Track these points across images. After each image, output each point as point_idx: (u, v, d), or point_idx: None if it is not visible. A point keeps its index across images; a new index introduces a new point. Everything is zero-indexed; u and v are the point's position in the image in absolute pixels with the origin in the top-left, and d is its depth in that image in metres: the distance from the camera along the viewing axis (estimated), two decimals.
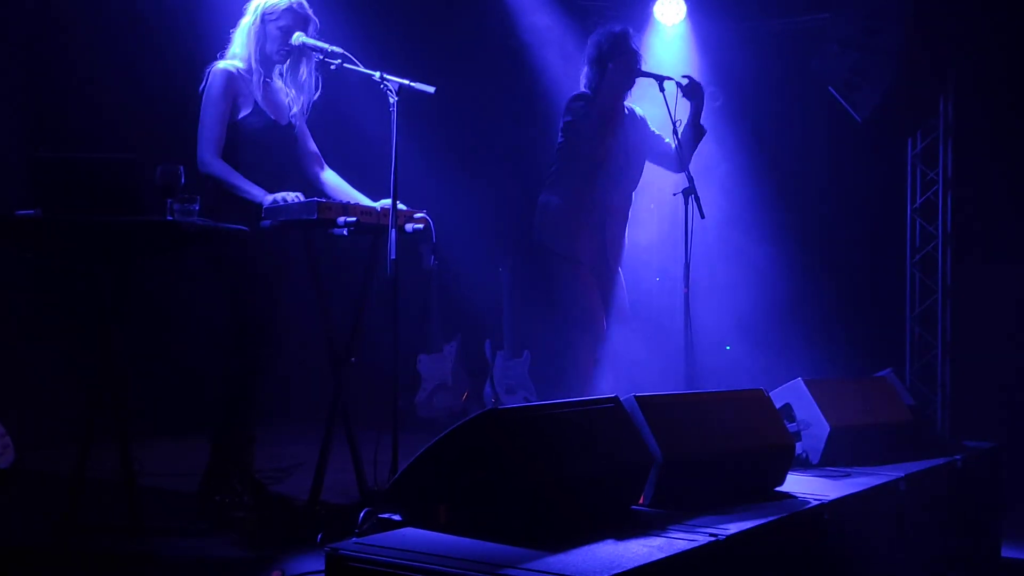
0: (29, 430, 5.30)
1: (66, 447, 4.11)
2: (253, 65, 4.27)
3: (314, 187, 4.48)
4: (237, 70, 4.24)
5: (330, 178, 4.53)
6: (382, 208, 4.11)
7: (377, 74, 4.01)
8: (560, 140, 5.29)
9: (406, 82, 4.01)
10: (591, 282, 5.20)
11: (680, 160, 5.19)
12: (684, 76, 5.17)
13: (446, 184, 7.33)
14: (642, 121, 5.40)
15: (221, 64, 4.24)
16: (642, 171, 5.44)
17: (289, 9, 4.26)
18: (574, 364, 5.22)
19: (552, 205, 5.24)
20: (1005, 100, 7.31)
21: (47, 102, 5.98)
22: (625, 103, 5.34)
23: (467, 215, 7.45)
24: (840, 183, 7.84)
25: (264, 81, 4.32)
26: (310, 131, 4.56)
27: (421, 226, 4.21)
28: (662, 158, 5.43)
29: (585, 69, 5.28)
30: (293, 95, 4.40)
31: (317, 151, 4.57)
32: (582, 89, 5.27)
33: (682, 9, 7.87)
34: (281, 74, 4.40)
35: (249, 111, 4.23)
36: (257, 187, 4.17)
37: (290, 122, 4.39)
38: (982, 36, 7.25)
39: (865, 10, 6.72)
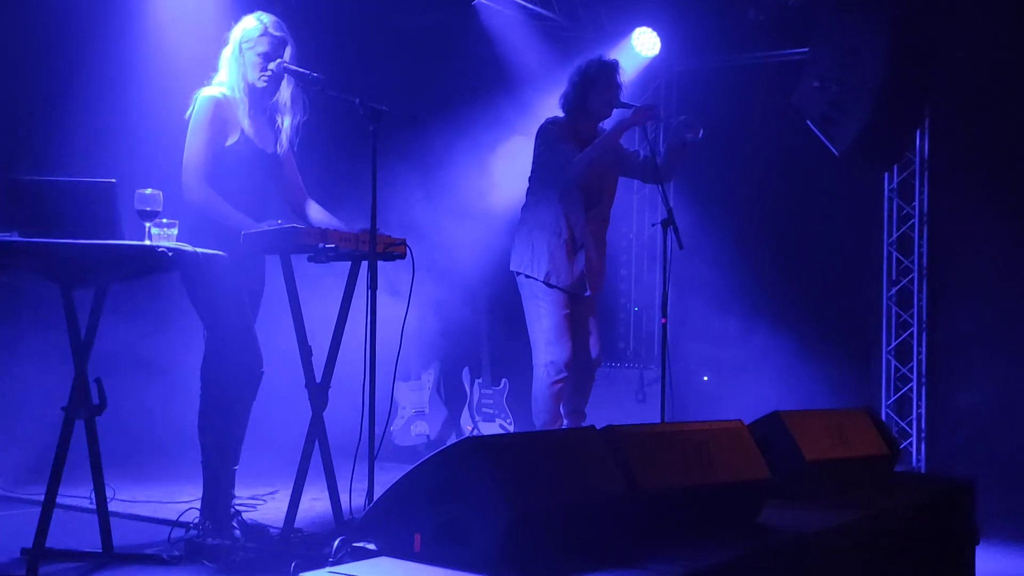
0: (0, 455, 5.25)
1: (38, 472, 4.06)
2: (239, 94, 4.25)
3: (297, 217, 4.45)
4: (224, 96, 4.22)
5: (314, 211, 4.49)
6: (361, 234, 4.09)
7: (357, 100, 4.01)
8: (534, 168, 5.31)
9: (385, 109, 4.01)
10: (567, 305, 5.20)
11: (656, 170, 5.23)
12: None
13: (426, 210, 7.34)
14: None
15: (208, 90, 4.21)
16: (616, 190, 5.46)
17: (265, 34, 4.24)
18: (539, 387, 5.21)
19: (530, 234, 5.24)
20: (981, 135, 7.39)
21: (24, 124, 5.95)
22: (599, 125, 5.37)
23: (447, 241, 7.46)
24: (817, 216, 7.90)
25: (252, 108, 4.30)
26: (296, 160, 4.53)
27: (400, 252, 4.20)
28: (635, 169, 5.44)
29: (566, 89, 5.30)
30: (281, 122, 4.36)
31: (301, 183, 4.53)
32: (559, 107, 5.31)
33: (657, 41, 7.96)
34: (271, 101, 4.36)
35: (236, 139, 4.21)
36: (243, 216, 4.15)
37: (276, 150, 4.36)
38: (958, 72, 7.35)
39: (843, 46, 6.79)
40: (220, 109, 4.18)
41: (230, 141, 4.19)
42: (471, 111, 7.82)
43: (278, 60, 4.26)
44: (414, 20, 7.81)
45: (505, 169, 7.44)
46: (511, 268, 5.34)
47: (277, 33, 4.25)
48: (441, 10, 7.67)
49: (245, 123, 4.23)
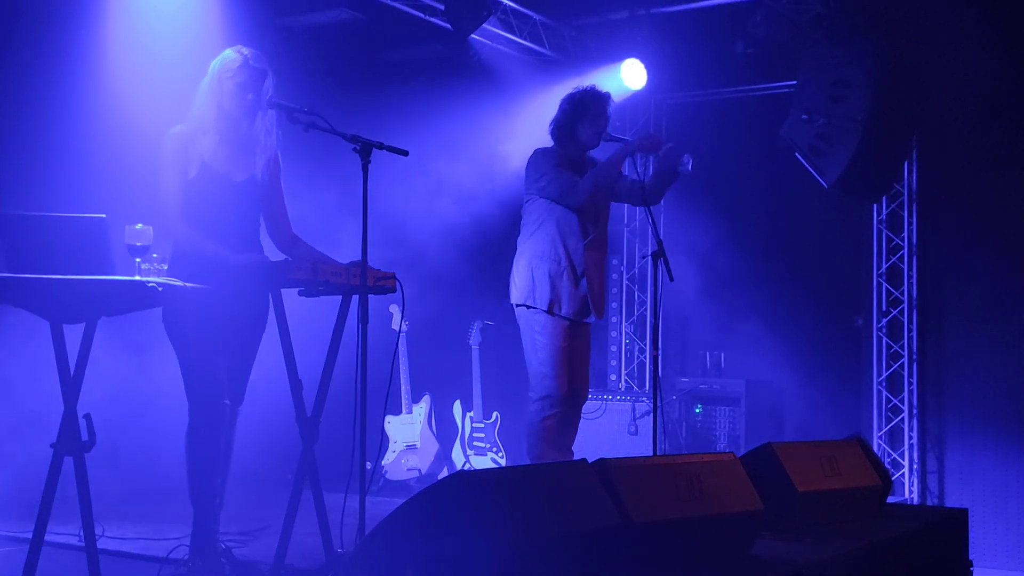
0: None
1: (27, 509, 4.03)
2: (209, 124, 4.24)
3: (282, 250, 4.43)
4: (184, 132, 4.22)
5: (300, 245, 4.45)
6: (351, 268, 4.08)
7: (349, 135, 4.01)
8: (529, 197, 5.32)
9: (377, 143, 4.02)
10: (567, 337, 5.19)
11: (643, 194, 5.23)
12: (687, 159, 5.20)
13: (417, 242, 7.35)
14: None
15: (172, 130, 4.23)
16: (609, 215, 5.48)
17: (244, 64, 4.23)
18: (532, 421, 5.19)
19: (529, 264, 5.24)
20: (970, 166, 7.45)
21: (12, 159, 5.95)
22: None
23: (438, 273, 7.46)
24: (807, 248, 7.94)
25: (225, 138, 4.28)
26: (285, 194, 4.51)
27: (390, 286, 4.20)
28: (624, 193, 5.44)
29: (556, 117, 5.33)
30: (256, 152, 4.35)
31: (286, 214, 4.50)
32: (549, 134, 5.34)
33: (644, 74, 8.02)
34: (244, 131, 4.34)
35: (196, 171, 4.21)
36: (226, 251, 4.13)
37: (249, 178, 4.34)
38: (946, 103, 7.41)
39: (830, 78, 6.85)
40: (179, 143, 4.19)
41: (192, 175, 4.20)
42: (462, 142, 7.86)
43: (268, 95, 4.26)
44: (405, 54, 7.86)
45: (496, 199, 7.47)
46: (512, 301, 5.32)
47: (257, 64, 4.25)
48: (432, 44, 7.72)
49: (207, 153, 4.22)
